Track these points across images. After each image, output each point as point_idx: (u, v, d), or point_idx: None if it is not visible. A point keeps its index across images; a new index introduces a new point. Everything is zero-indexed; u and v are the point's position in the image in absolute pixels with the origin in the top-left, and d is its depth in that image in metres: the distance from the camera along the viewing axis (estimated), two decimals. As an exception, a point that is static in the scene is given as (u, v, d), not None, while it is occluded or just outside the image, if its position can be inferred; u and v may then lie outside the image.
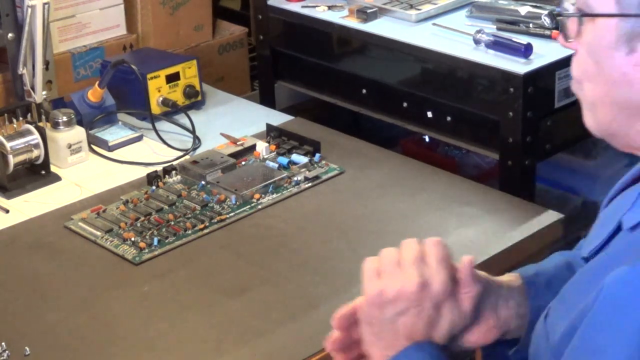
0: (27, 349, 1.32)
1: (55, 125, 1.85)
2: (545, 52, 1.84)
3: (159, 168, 1.78)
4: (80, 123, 1.90)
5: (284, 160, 1.79)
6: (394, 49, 1.98)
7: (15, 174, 1.77)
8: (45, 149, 1.78)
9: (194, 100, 2.07)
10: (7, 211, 1.71)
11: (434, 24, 2.01)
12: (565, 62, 1.82)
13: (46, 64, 1.95)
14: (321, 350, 1.32)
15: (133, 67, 1.94)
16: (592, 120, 1.00)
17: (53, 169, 1.82)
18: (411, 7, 2.07)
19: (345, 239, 1.58)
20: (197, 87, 2.07)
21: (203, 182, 1.73)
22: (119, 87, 2.01)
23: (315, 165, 1.80)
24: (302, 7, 2.17)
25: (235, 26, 2.53)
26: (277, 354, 1.33)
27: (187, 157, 1.86)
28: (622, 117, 0.96)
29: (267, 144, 1.85)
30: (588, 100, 0.99)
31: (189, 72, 2.06)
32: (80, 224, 1.63)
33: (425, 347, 1.03)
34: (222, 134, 1.91)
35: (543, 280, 1.14)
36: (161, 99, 2.02)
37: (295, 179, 1.74)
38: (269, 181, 1.72)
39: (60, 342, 1.35)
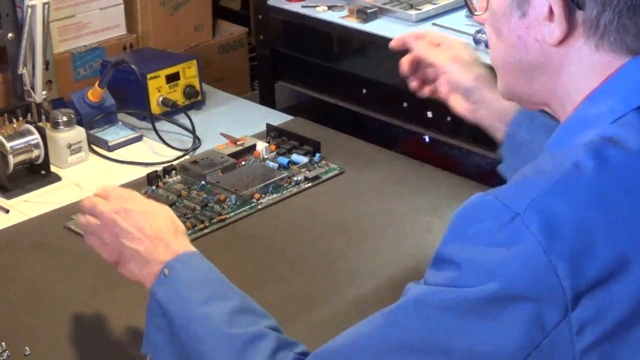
0: (27, 349, 1.32)
1: (55, 125, 1.85)
2: (545, 52, 1.84)
3: (159, 168, 1.78)
4: (80, 123, 1.90)
5: (284, 160, 1.79)
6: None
7: (15, 174, 1.77)
8: (45, 149, 1.78)
9: (194, 100, 2.07)
10: (7, 211, 1.71)
11: (434, 24, 2.01)
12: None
13: (46, 64, 1.95)
14: (321, 350, 1.32)
15: (133, 67, 1.94)
16: (500, 84, 1.12)
17: (53, 169, 1.82)
18: (411, 7, 2.07)
19: (345, 239, 1.58)
20: (197, 87, 2.08)
21: (203, 182, 1.73)
22: (119, 87, 2.01)
23: (315, 165, 1.80)
24: (302, 7, 2.17)
25: (235, 26, 2.53)
26: (277, 354, 1.33)
27: (187, 157, 1.86)
28: (522, 79, 1.07)
29: (267, 144, 1.85)
30: (495, 67, 1.11)
31: (189, 72, 2.07)
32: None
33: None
34: (222, 134, 1.91)
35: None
36: (161, 99, 2.02)
37: (295, 179, 1.75)
38: (269, 181, 1.72)
39: (60, 342, 1.35)
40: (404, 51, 1.97)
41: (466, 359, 0.95)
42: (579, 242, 0.93)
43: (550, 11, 1.00)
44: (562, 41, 1.01)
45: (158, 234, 1.24)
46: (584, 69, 1.02)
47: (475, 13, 1.14)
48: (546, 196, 0.94)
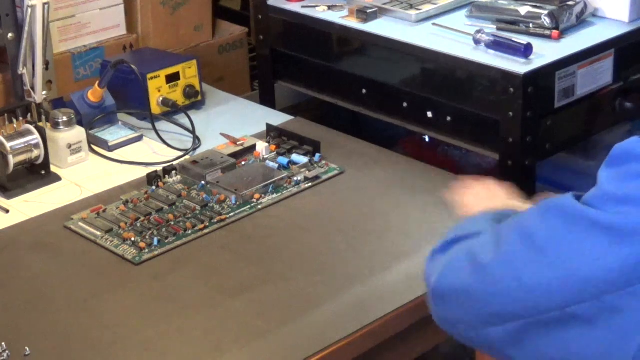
0: (27, 349, 1.32)
1: (55, 125, 1.85)
2: (545, 52, 1.84)
3: (159, 168, 1.78)
4: (80, 123, 1.90)
5: (284, 160, 1.79)
6: (394, 49, 1.98)
7: (15, 174, 1.77)
8: (45, 149, 1.78)
9: (194, 100, 2.07)
10: (7, 211, 1.71)
11: (434, 24, 2.00)
12: (565, 62, 1.82)
13: (46, 64, 1.95)
14: (321, 350, 1.32)
15: (133, 67, 1.94)
16: None
17: (53, 169, 1.82)
18: (411, 7, 2.07)
19: (345, 239, 1.58)
20: (197, 87, 2.08)
21: (203, 182, 1.73)
22: (119, 87, 2.01)
23: (315, 165, 1.80)
24: (302, 7, 2.17)
25: (235, 26, 2.53)
26: (277, 354, 1.33)
27: (187, 157, 1.86)
28: None
29: (267, 144, 1.85)
30: None
31: (189, 72, 2.06)
32: (80, 224, 1.63)
33: None
34: (222, 134, 1.91)
35: None
36: (161, 99, 2.02)
37: (295, 179, 1.74)
38: (269, 181, 1.72)
39: (60, 342, 1.35)
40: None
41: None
42: None
43: None
44: None
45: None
46: None
47: None
48: None
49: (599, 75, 1.86)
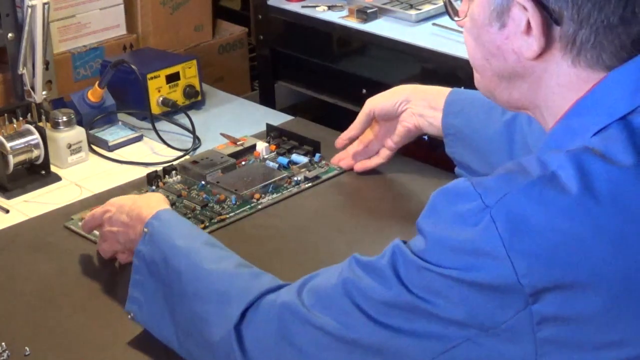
0: (27, 349, 1.32)
1: (55, 125, 1.85)
2: (545, 52, 1.84)
3: (159, 168, 1.78)
4: (80, 123, 1.90)
5: (284, 160, 1.79)
6: (394, 49, 1.99)
7: (15, 174, 1.77)
8: (45, 149, 1.78)
9: (194, 100, 2.08)
10: (7, 211, 1.71)
11: (434, 24, 2.01)
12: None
13: (46, 64, 1.95)
14: (321, 350, 1.32)
15: (133, 67, 1.94)
16: (480, 84, 1.15)
17: (53, 169, 1.82)
18: (411, 7, 2.08)
19: (345, 239, 1.58)
20: (197, 87, 2.08)
21: (203, 182, 1.73)
22: (119, 87, 2.01)
23: (315, 165, 1.80)
24: (302, 7, 2.17)
25: (235, 26, 2.53)
26: (277, 354, 1.33)
27: (187, 157, 1.86)
28: (503, 85, 1.08)
29: (267, 144, 1.85)
30: (474, 67, 1.12)
31: (189, 72, 2.07)
32: (80, 224, 1.63)
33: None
34: (222, 134, 1.91)
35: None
36: (161, 99, 2.02)
37: (295, 179, 1.75)
38: (269, 181, 1.72)
39: (60, 342, 1.35)
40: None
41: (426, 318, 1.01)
42: (543, 245, 0.95)
43: (528, 25, 1.01)
44: (540, 55, 1.02)
45: (131, 213, 1.37)
46: (561, 82, 1.03)
47: (455, 18, 1.16)
48: (519, 195, 0.96)
49: (599, 75, 1.86)
